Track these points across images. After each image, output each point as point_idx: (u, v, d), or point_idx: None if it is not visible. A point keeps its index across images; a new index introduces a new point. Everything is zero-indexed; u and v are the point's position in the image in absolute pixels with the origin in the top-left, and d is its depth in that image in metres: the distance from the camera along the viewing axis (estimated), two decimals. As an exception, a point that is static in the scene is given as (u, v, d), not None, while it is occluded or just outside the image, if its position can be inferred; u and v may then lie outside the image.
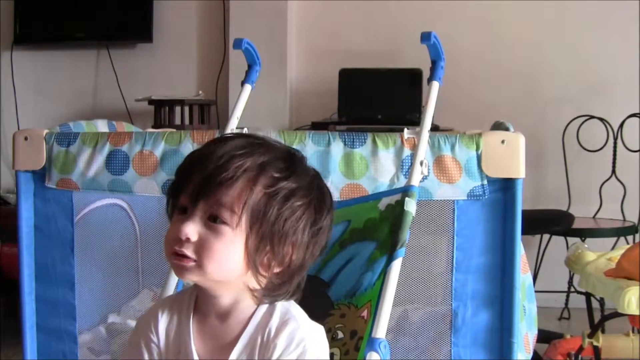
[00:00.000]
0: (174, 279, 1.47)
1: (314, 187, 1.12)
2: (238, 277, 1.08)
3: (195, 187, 1.06)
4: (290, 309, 1.12)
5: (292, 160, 1.11)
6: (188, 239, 1.05)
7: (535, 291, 1.84)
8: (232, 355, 1.09)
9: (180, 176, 1.09)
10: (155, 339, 1.14)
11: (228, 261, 1.06)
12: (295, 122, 3.84)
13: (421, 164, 1.47)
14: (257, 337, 1.09)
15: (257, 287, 1.09)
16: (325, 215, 1.12)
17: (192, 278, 1.08)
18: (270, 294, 1.10)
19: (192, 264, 1.05)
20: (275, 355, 1.06)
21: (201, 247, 1.05)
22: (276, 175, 1.07)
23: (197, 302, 1.14)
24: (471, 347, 1.61)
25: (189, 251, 1.05)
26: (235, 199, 1.04)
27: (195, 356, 1.11)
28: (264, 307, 1.11)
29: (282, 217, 1.06)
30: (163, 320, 1.14)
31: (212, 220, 1.05)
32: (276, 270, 1.09)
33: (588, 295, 2.64)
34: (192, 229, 1.04)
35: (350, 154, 1.61)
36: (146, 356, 1.14)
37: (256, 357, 1.08)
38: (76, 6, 3.96)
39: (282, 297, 1.11)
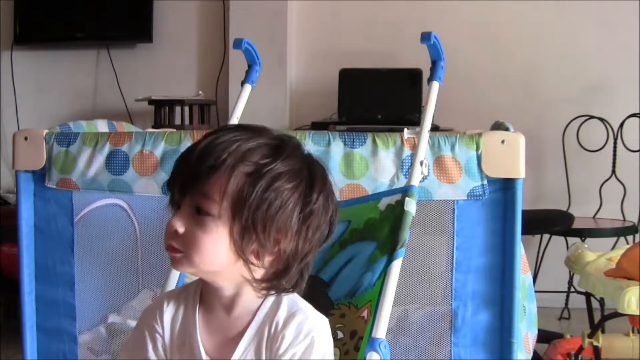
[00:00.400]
0: (174, 278, 1.47)
1: (304, 170, 1.10)
2: (229, 267, 1.08)
3: (181, 181, 1.08)
4: (297, 301, 1.12)
5: (281, 146, 1.09)
6: (176, 232, 1.07)
7: (535, 291, 1.84)
8: (239, 347, 1.09)
9: (172, 172, 1.11)
10: (159, 329, 1.14)
11: (213, 251, 1.06)
12: (295, 122, 3.83)
13: (421, 164, 1.47)
14: (264, 330, 1.09)
15: (253, 276, 1.09)
16: (315, 198, 1.09)
17: (184, 269, 1.10)
18: (269, 284, 1.10)
19: (179, 255, 1.07)
20: (284, 347, 1.07)
21: (187, 239, 1.06)
22: (261, 161, 1.06)
23: (203, 294, 1.15)
24: (471, 347, 1.61)
25: (177, 243, 1.07)
26: (216, 188, 1.05)
27: (201, 348, 1.11)
28: (270, 300, 1.11)
29: (265, 202, 1.05)
30: (168, 311, 1.15)
31: (198, 212, 1.06)
32: (268, 258, 1.08)
33: (588, 295, 2.64)
34: (178, 222, 1.07)
35: (350, 154, 1.61)
36: (150, 346, 1.14)
37: (263, 349, 1.09)
38: (76, 6, 3.96)
39: (283, 287, 1.10)
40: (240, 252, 1.06)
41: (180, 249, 1.07)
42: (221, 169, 1.05)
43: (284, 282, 1.10)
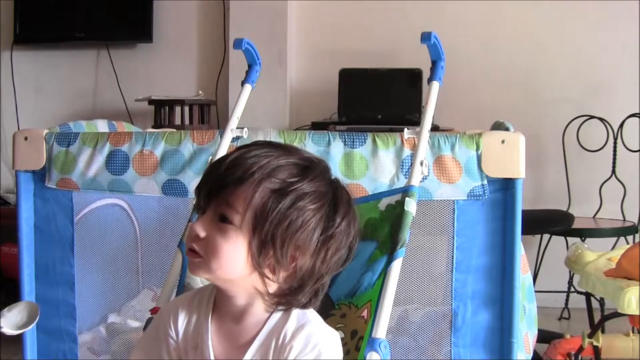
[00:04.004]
0: (174, 278, 1.47)
1: (329, 193, 1.12)
2: (244, 277, 1.09)
3: (208, 189, 1.10)
4: (307, 314, 1.13)
5: (309, 167, 1.12)
6: (197, 236, 1.09)
7: (535, 291, 1.84)
8: (245, 356, 1.11)
9: (201, 178, 1.14)
10: (173, 333, 1.17)
11: (230, 259, 1.08)
12: (295, 122, 3.83)
13: (421, 164, 1.47)
14: (271, 341, 1.10)
15: (267, 290, 1.10)
16: (338, 222, 1.11)
17: (201, 274, 1.12)
18: (282, 300, 1.11)
19: (199, 259, 1.09)
20: (291, 358, 1.08)
21: (207, 244, 1.08)
22: (288, 179, 1.08)
23: (216, 301, 1.17)
24: (471, 347, 1.61)
25: (197, 247, 1.09)
26: (241, 199, 1.07)
27: (212, 353, 1.13)
28: (279, 312, 1.12)
29: (287, 219, 1.07)
30: (182, 315, 1.17)
31: (221, 220, 1.08)
32: (283, 274, 1.10)
33: (588, 295, 2.64)
34: (200, 227, 1.09)
35: (350, 154, 1.61)
36: (164, 348, 1.16)
37: None
38: (76, 6, 3.95)
39: (295, 304, 1.12)
40: (257, 264, 1.08)
41: (200, 252, 1.09)
42: (248, 181, 1.07)
43: (296, 299, 1.11)
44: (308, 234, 1.08)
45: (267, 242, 1.07)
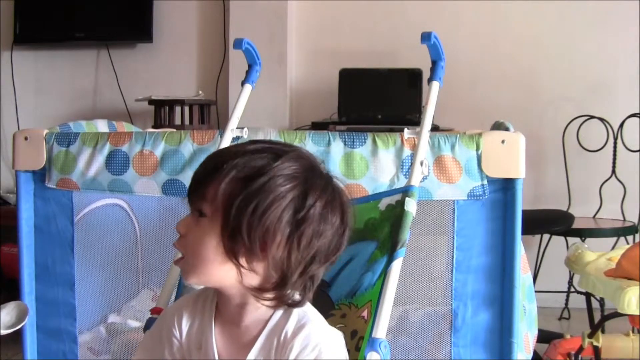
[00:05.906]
0: (173, 279, 1.47)
1: (301, 177, 1.09)
2: (222, 270, 1.08)
3: (189, 186, 1.12)
4: (308, 313, 1.12)
5: (281, 155, 1.10)
6: (180, 235, 1.11)
7: (535, 291, 1.84)
8: (249, 356, 1.11)
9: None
10: (177, 334, 1.17)
11: (203, 250, 1.08)
12: (295, 122, 3.83)
13: (421, 164, 1.47)
14: (273, 340, 1.10)
15: (248, 283, 1.09)
16: (311, 204, 1.07)
17: (189, 278, 1.11)
18: (269, 295, 1.10)
19: (182, 261, 1.11)
20: (292, 357, 1.07)
21: (186, 241, 1.10)
22: (257, 165, 1.07)
23: (218, 303, 1.17)
24: (471, 347, 1.61)
25: (179, 245, 1.11)
26: (211, 190, 1.08)
27: (216, 354, 1.13)
28: (280, 312, 1.12)
29: (252, 203, 1.05)
30: (186, 317, 1.18)
31: (200, 215, 1.09)
32: (258, 264, 1.08)
33: (588, 295, 2.64)
34: (181, 225, 1.11)
35: (350, 154, 1.61)
36: (166, 349, 1.17)
37: (272, 359, 1.10)
38: (76, 6, 3.96)
39: (284, 300, 1.10)
40: (230, 254, 1.07)
41: (180, 250, 1.11)
42: (218, 172, 1.07)
43: (284, 294, 1.09)
44: (276, 216, 1.05)
45: (235, 229, 1.05)
